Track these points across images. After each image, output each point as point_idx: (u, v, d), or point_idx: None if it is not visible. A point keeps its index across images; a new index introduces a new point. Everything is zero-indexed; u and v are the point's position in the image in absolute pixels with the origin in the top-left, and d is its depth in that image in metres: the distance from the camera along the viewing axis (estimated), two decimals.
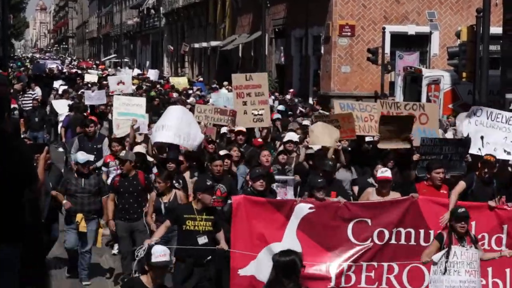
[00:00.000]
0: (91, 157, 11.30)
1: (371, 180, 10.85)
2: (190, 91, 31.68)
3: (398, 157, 11.37)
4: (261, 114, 14.13)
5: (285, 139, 13.06)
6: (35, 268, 10.69)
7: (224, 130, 14.09)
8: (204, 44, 48.44)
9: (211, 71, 48.45)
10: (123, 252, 11.10)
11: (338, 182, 10.93)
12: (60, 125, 21.30)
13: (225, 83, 35.71)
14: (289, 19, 34.21)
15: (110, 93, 23.77)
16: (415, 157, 11.21)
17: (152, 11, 67.37)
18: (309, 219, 9.27)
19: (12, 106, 10.95)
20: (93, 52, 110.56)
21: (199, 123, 13.20)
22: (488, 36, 18.35)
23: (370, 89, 28.79)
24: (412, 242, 9.26)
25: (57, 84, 31.72)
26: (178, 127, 11.95)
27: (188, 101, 25.50)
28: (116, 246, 12.52)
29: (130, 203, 10.93)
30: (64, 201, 10.88)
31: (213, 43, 46.25)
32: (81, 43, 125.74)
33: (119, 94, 21.53)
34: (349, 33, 29.16)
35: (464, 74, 20.00)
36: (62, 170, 11.57)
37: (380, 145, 11.66)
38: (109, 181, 12.47)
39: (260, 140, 13.67)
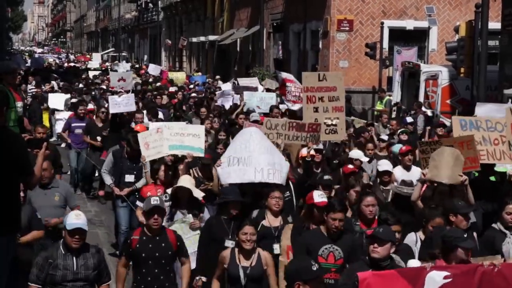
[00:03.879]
0: (84, 222, 7.17)
1: (498, 225, 8.26)
2: (191, 86, 31.55)
3: None
4: (335, 125, 11.45)
5: (380, 168, 10.31)
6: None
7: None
8: (202, 38, 48.39)
9: (209, 65, 48.42)
10: None
11: (473, 231, 7.99)
12: (58, 125, 19.69)
13: (218, 76, 35.71)
14: (287, 13, 34.17)
15: (110, 88, 23.55)
16: None
17: (150, 5, 67.26)
18: None
19: (18, 103, 10.21)
20: (91, 46, 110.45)
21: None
22: (487, 31, 18.30)
23: (368, 84, 28.79)
24: None
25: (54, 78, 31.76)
26: (258, 159, 9.29)
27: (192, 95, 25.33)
28: None
29: (155, 275, 7.71)
30: None
31: (211, 37, 46.19)
32: (79, 37, 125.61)
33: (119, 92, 21.12)
34: (347, 28, 29.12)
35: (462, 70, 19.99)
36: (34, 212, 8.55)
37: None
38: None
39: (350, 166, 10.44)
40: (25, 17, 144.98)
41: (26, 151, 6.52)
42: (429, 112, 20.76)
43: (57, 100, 22.48)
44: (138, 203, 10.39)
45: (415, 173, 10.61)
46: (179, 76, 37.23)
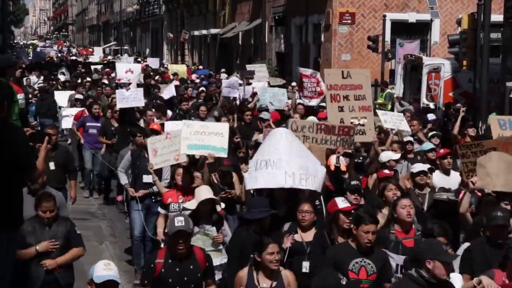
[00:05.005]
0: (116, 274, 6.15)
1: None
2: (197, 80, 31.17)
3: None
4: (363, 125, 10.54)
5: (414, 170, 9.65)
6: None
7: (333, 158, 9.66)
8: (204, 32, 48.36)
9: (211, 59, 48.39)
10: None
11: None
12: (65, 121, 18.77)
13: (223, 70, 35.54)
14: (289, 6, 34.12)
15: (116, 81, 23.17)
16: None
17: None
18: None
19: (19, 95, 10.07)
20: (93, 40, 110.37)
21: None
22: (489, 24, 18.28)
23: (370, 77, 28.71)
24: None
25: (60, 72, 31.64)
26: (289, 162, 8.24)
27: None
28: None
29: None
30: None
31: (213, 31, 46.16)
32: (81, 31, 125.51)
33: (126, 83, 20.74)
34: (349, 21, 29.08)
35: (464, 62, 19.92)
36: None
37: None
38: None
39: (386, 171, 9.66)
40: (26, 10, 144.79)
41: (28, 145, 6.48)
42: (431, 105, 20.73)
43: (62, 96, 22.08)
44: (159, 209, 9.45)
45: (455, 177, 10.09)
46: (179, 69, 36.71)
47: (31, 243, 7.43)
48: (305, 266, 7.44)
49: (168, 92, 20.32)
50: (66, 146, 12.55)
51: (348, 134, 9.66)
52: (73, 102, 20.59)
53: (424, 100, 21.32)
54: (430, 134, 13.56)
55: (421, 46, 28.54)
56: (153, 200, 10.85)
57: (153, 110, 16.06)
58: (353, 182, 8.80)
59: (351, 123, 10.31)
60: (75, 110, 18.38)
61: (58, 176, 11.05)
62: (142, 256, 10.84)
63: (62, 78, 29.37)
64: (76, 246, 7.71)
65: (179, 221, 6.76)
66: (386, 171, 9.71)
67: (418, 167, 9.84)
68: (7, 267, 6.29)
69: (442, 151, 10.93)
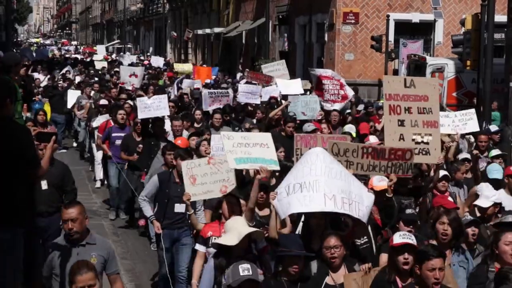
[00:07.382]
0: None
1: None
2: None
3: None
4: (427, 143, 8.85)
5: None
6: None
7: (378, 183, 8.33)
8: (208, 31, 48.37)
9: (214, 58, 48.41)
10: None
11: None
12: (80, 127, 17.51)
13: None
14: (293, 6, 34.15)
15: (120, 84, 22.94)
16: None
17: None
18: None
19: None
20: (96, 38, 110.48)
21: None
22: (493, 24, 18.29)
23: (373, 77, 28.77)
24: None
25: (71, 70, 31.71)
26: (328, 183, 6.88)
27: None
28: None
29: None
30: None
31: (217, 30, 46.17)
32: (85, 29, 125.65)
33: (129, 88, 20.46)
34: (353, 21, 29.11)
35: (468, 62, 19.93)
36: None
37: None
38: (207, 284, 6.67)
39: (450, 199, 8.47)
40: (30, 8, 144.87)
41: (33, 143, 6.51)
42: None
43: (73, 98, 21.15)
44: (198, 246, 7.83)
45: None
46: (185, 68, 36.45)
47: None
48: None
49: (174, 89, 20.13)
50: (64, 163, 10.32)
51: (403, 159, 7.95)
52: (80, 105, 20.17)
53: None
54: (493, 153, 11.50)
55: (425, 46, 28.57)
56: (192, 236, 9.07)
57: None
58: (408, 211, 7.54)
59: (413, 140, 8.78)
60: (103, 119, 15.88)
61: (50, 198, 9.31)
62: None
63: (77, 78, 29.22)
64: None
65: (245, 269, 5.59)
66: (451, 199, 8.41)
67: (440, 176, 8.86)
68: (11, 263, 6.31)
69: None
